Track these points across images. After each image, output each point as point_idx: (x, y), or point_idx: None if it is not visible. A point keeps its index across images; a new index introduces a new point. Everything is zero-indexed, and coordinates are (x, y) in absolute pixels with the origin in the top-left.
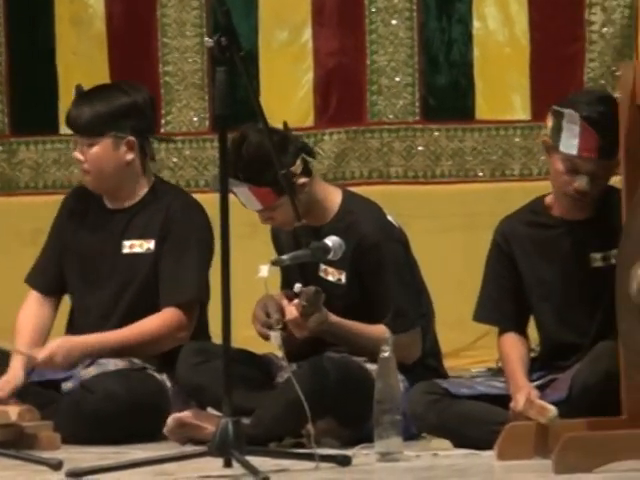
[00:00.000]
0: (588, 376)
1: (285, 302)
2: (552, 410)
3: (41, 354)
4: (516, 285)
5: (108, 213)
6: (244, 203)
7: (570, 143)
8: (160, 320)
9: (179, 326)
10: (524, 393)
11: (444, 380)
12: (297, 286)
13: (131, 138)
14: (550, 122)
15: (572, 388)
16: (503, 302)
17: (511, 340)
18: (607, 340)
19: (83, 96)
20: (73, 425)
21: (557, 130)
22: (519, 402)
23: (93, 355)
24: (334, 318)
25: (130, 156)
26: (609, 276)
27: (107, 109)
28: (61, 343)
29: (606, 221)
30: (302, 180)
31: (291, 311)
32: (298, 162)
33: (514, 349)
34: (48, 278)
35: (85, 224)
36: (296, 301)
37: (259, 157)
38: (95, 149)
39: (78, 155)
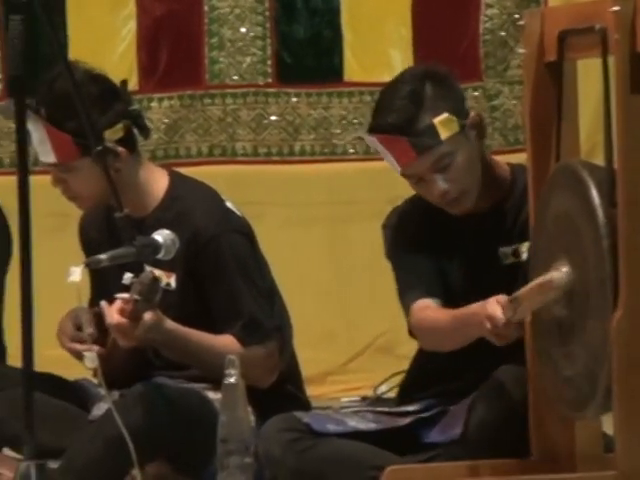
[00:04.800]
0: (487, 409)
1: (104, 304)
2: (556, 275)
3: None
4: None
5: None
6: (37, 151)
7: (392, 164)
8: None
9: None
10: (491, 304)
11: (306, 413)
12: (127, 276)
13: None
14: None
15: (468, 424)
16: (427, 275)
17: (433, 303)
18: (511, 362)
19: None
20: None
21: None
22: (495, 314)
23: None
24: (169, 323)
25: None
26: (519, 274)
27: None
28: None
29: (515, 208)
30: (118, 149)
31: (112, 315)
32: (119, 126)
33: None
34: None
35: None
36: (123, 297)
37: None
38: None
39: None
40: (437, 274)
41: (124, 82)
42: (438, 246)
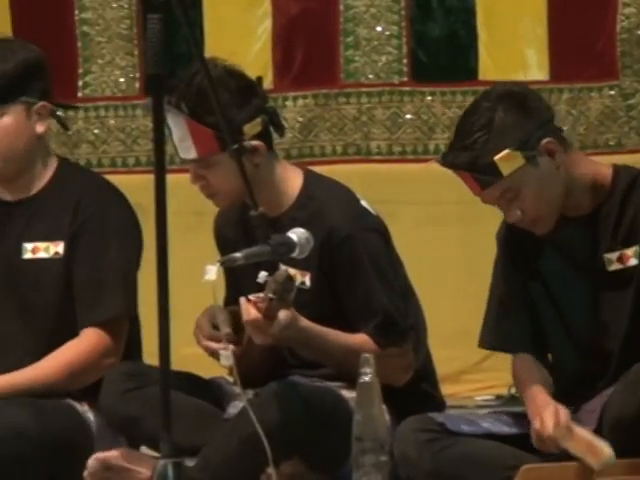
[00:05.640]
0: (622, 406)
1: (243, 300)
2: (607, 452)
3: None
4: (528, 300)
5: (2, 206)
6: (178, 147)
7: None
8: (78, 347)
9: (104, 352)
10: (551, 410)
11: (440, 414)
12: (262, 274)
13: (44, 103)
14: None
15: (602, 420)
16: (516, 321)
17: (528, 361)
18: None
19: None
20: None
21: None
22: (547, 423)
23: None
24: (305, 322)
25: (42, 128)
26: (630, 281)
27: (14, 68)
28: None
29: (614, 212)
30: (254, 143)
31: (249, 311)
32: (257, 121)
33: (533, 371)
34: None
35: None
36: (258, 296)
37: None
38: (5, 120)
39: None
40: (529, 314)
41: (259, 79)
42: (541, 253)
